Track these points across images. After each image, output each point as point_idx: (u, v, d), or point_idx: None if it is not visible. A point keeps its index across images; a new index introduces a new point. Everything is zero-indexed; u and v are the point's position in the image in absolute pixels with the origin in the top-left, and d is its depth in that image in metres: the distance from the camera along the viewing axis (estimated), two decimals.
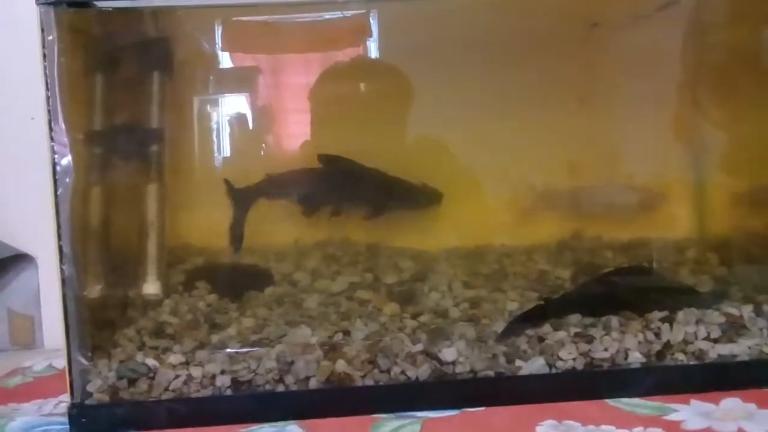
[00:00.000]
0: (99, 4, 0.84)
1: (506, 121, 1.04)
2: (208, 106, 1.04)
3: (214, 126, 1.04)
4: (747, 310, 0.84)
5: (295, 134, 1.09)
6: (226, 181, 1.02)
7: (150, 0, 0.94)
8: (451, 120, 1.04)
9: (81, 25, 0.86)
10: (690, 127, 1.06)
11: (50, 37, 0.76)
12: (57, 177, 0.77)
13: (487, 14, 1.00)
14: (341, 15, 1.02)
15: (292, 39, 1.05)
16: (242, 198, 1.03)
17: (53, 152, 0.77)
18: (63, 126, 0.77)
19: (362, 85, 1.08)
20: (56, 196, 0.77)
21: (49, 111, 0.77)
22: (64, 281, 0.78)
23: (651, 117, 1.04)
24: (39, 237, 1.08)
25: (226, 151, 1.05)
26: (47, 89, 0.76)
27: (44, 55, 0.76)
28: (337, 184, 1.05)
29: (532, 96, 1.05)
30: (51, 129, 0.77)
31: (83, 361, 0.79)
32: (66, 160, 0.77)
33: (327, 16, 1.03)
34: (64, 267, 0.77)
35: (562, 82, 1.04)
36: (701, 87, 1.05)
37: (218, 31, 1.01)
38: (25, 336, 1.13)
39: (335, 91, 1.06)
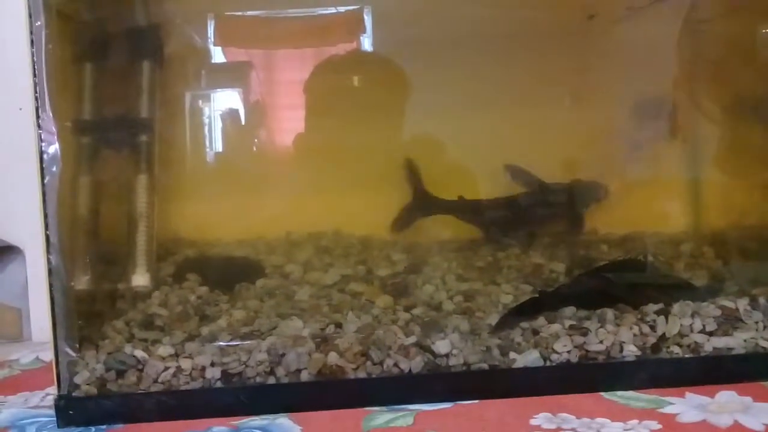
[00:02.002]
0: None
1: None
2: (200, 97, 1.03)
3: (206, 117, 1.02)
4: (743, 303, 0.84)
5: (288, 128, 1.08)
6: (421, 185, 1.01)
7: None
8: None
9: (69, 11, 0.84)
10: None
11: (38, 23, 0.75)
12: (44, 165, 0.76)
13: None
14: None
15: (283, 31, 1.05)
16: (427, 204, 1.03)
17: (40, 140, 0.76)
18: (50, 114, 0.76)
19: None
20: (43, 185, 0.76)
21: (36, 98, 0.75)
22: (51, 271, 0.76)
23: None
24: (26, 229, 1.07)
25: (218, 142, 1.04)
26: (35, 76, 0.75)
27: (32, 42, 0.75)
28: (532, 207, 1.03)
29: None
30: (38, 117, 0.75)
31: (71, 352, 0.77)
32: (53, 149, 0.76)
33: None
34: (51, 257, 0.76)
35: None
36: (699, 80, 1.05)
37: (211, 20, 1.00)
38: (13, 328, 1.12)
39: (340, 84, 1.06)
